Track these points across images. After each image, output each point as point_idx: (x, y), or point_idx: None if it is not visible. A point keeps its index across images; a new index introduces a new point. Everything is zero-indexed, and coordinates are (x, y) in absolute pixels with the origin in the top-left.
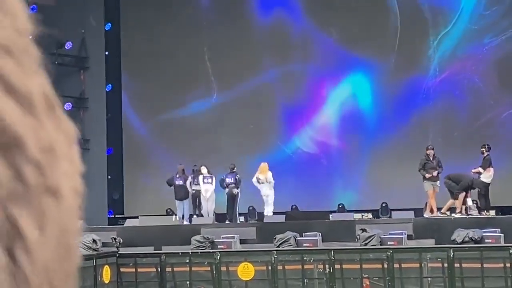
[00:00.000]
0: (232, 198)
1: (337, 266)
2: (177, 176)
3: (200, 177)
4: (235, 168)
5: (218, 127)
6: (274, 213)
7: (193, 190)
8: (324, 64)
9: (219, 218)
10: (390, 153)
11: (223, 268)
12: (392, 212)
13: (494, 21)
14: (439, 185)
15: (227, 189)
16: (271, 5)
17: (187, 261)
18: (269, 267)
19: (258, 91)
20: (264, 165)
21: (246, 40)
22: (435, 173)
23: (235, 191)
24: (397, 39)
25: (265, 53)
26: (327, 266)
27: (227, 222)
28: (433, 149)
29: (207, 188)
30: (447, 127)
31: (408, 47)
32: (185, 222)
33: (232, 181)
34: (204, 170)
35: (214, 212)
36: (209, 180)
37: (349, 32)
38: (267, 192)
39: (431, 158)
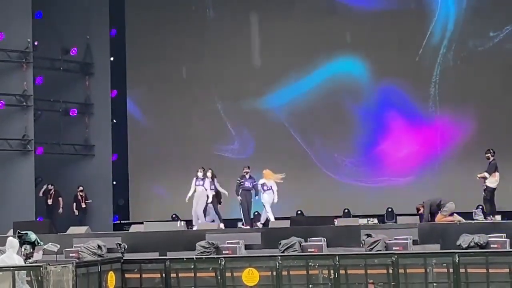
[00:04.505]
0: (246, 204)
1: (342, 272)
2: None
3: (194, 180)
4: (249, 171)
5: (222, 133)
6: (279, 218)
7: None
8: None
9: (228, 223)
10: (395, 158)
11: (228, 274)
12: (397, 217)
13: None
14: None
15: (239, 197)
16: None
17: (192, 266)
18: (274, 273)
19: (268, 102)
20: (268, 172)
21: (254, 49)
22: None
23: (250, 197)
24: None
25: (277, 65)
26: (332, 271)
27: (244, 227)
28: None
29: (199, 190)
30: (452, 135)
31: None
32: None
33: (250, 186)
34: (199, 173)
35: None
36: (201, 183)
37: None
38: (267, 199)
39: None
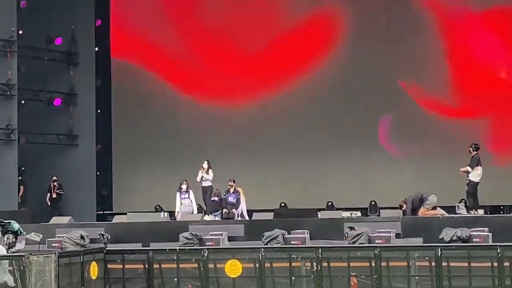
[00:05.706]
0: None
1: (325, 264)
2: None
3: (178, 194)
4: (234, 185)
5: (206, 126)
6: (263, 210)
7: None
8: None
9: None
10: (379, 151)
11: (211, 265)
12: (380, 210)
13: None
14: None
15: (225, 210)
16: None
17: (175, 258)
18: (257, 265)
19: (253, 95)
20: (240, 189)
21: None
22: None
23: (234, 212)
24: None
25: (266, 59)
26: (314, 264)
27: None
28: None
29: (185, 203)
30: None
31: None
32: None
33: (234, 201)
34: (183, 185)
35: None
36: (186, 196)
37: None
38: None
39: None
